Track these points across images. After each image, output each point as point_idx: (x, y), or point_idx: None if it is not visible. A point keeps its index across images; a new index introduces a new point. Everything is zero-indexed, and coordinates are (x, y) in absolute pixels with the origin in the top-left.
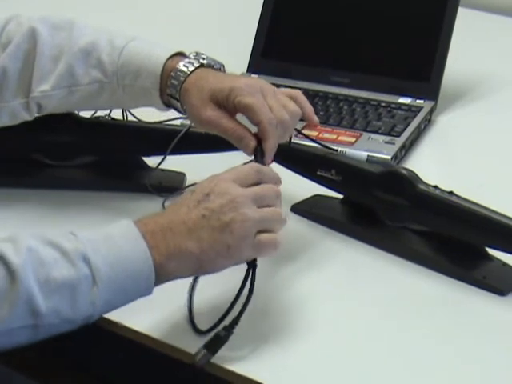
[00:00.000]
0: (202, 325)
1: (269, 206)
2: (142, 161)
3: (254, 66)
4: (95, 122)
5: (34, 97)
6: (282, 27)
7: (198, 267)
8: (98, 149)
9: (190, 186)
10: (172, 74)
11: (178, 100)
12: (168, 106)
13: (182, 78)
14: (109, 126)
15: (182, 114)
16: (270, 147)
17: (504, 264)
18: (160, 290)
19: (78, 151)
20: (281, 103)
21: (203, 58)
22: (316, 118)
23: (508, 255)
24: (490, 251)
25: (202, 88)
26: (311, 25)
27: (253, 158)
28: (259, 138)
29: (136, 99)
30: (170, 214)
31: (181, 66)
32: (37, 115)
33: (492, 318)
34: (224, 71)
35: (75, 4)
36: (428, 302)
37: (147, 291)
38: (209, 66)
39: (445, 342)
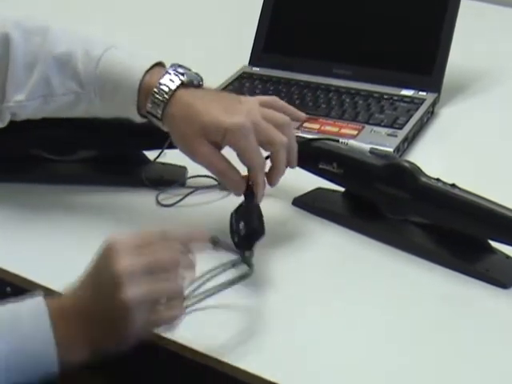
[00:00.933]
0: None
1: (165, 274)
2: (143, 155)
3: (256, 60)
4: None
5: (8, 106)
6: (283, 20)
7: (96, 350)
8: (97, 143)
9: (191, 178)
10: (153, 91)
11: (159, 119)
12: (145, 117)
13: (164, 98)
14: (108, 120)
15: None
16: (260, 191)
17: (507, 257)
18: None
19: (78, 146)
20: (273, 123)
21: (182, 74)
22: (302, 114)
23: (511, 248)
24: (493, 244)
25: (192, 119)
26: (313, 17)
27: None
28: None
29: (113, 111)
30: (70, 293)
31: (161, 83)
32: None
33: (495, 311)
34: (203, 86)
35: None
36: (430, 295)
37: (49, 370)
38: (189, 82)
39: (446, 335)
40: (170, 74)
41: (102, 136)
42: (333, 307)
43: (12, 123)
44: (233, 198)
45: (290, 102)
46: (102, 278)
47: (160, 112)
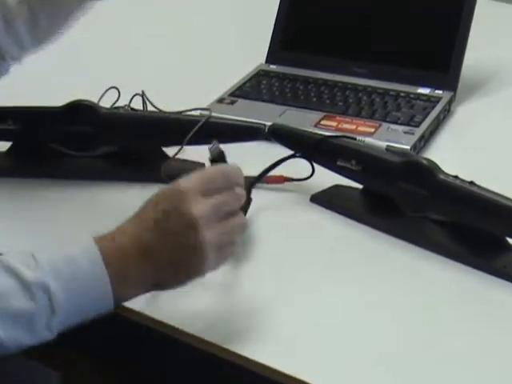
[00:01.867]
0: None
1: (231, 214)
2: (162, 151)
3: (273, 57)
4: (115, 112)
5: None
6: (300, 18)
7: (157, 287)
8: (117, 139)
9: None
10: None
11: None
12: None
13: None
14: (128, 117)
15: None
16: None
17: None
18: None
19: (98, 142)
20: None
21: None
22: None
23: None
24: (511, 241)
25: None
26: (330, 15)
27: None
28: None
29: None
30: (128, 231)
31: None
32: None
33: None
34: None
35: None
36: (448, 292)
37: (106, 311)
38: None
39: (465, 332)
40: None
41: (122, 132)
42: (350, 301)
43: (33, 118)
44: (252, 193)
45: (308, 99)
46: (174, 222)
47: None
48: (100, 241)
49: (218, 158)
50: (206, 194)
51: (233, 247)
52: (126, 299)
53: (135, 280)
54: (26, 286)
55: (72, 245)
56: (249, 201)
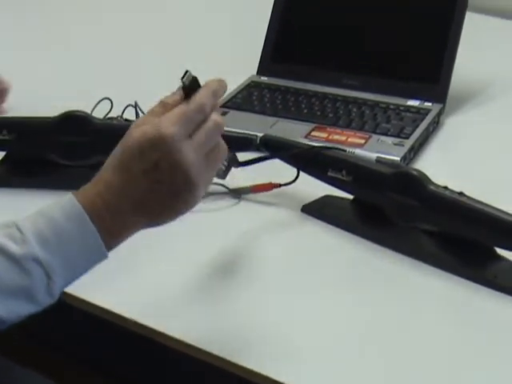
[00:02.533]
0: None
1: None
2: None
3: (264, 69)
4: (108, 122)
5: None
6: (291, 30)
7: (150, 226)
8: (110, 149)
9: None
10: None
11: None
12: None
13: None
14: (121, 126)
15: None
16: None
17: None
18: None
19: (91, 151)
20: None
21: None
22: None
23: None
24: (501, 251)
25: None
26: (320, 28)
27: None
28: None
29: None
30: (114, 186)
31: None
32: None
33: (503, 318)
34: None
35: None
36: (439, 302)
37: (102, 259)
38: None
39: (457, 342)
40: None
41: (115, 142)
42: (339, 311)
43: (29, 129)
44: (243, 205)
45: (299, 110)
46: (165, 172)
47: None
48: (83, 197)
49: (191, 85)
50: (189, 133)
51: (216, 173)
52: (120, 243)
53: (127, 229)
54: (16, 261)
55: (55, 208)
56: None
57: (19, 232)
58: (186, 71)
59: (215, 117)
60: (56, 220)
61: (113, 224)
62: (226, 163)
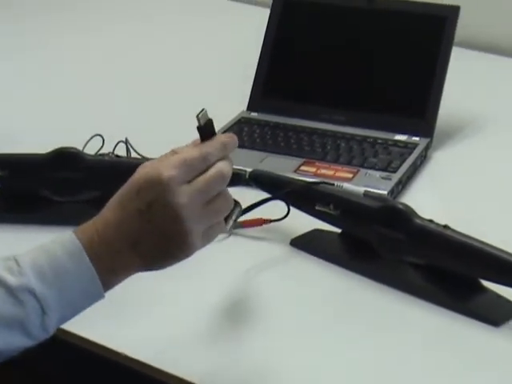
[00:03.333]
0: None
1: (216, 195)
2: None
3: (254, 105)
4: (99, 159)
5: None
6: (280, 68)
7: (145, 270)
8: (102, 184)
9: None
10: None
11: None
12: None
13: None
14: (112, 163)
15: None
16: None
17: (498, 296)
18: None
19: (85, 187)
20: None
21: None
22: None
23: (502, 287)
24: (485, 283)
25: None
26: (309, 65)
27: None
28: None
29: None
30: (111, 223)
31: None
32: None
33: (486, 349)
34: None
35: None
36: (424, 333)
37: (99, 299)
38: None
39: (440, 372)
40: None
41: (106, 178)
42: (326, 343)
43: (23, 166)
44: (233, 239)
45: (288, 146)
46: (158, 213)
47: None
48: (82, 234)
49: (206, 126)
50: (189, 179)
51: (220, 226)
52: (117, 284)
53: (123, 269)
54: (11, 292)
55: (55, 244)
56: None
57: (17, 265)
58: (202, 109)
59: (221, 167)
60: (55, 255)
61: (110, 262)
62: (234, 217)
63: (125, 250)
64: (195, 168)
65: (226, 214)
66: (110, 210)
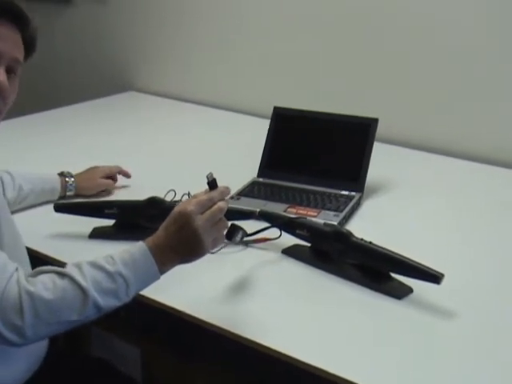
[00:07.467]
0: None
1: (218, 220)
2: None
3: (262, 173)
4: (173, 204)
5: None
6: (278, 150)
7: (182, 263)
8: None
9: None
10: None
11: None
12: None
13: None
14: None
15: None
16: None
17: (400, 282)
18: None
19: (163, 220)
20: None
21: None
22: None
23: (403, 277)
24: (394, 275)
25: None
26: (294, 151)
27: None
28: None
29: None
30: (161, 237)
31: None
32: None
33: (392, 313)
34: None
35: None
36: (356, 303)
37: (157, 279)
38: None
39: (363, 327)
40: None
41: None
42: (299, 309)
43: (127, 207)
44: (248, 250)
45: (280, 196)
46: (185, 233)
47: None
48: (147, 242)
49: (212, 182)
50: (202, 211)
51: (222, 238)
52: (166, 271)
53: (169, 262)
54: (109, 275)
55: (133, 247)
56: (241, 229)
57: (112, 259)
58: (210, 172)
59: (220, 205)
60: (133, 253)
61: (161, 258)
62: (240, 236)
63: (169, 252)
64: (205, 205)
65: (224, 231)
66: (160, 231)
